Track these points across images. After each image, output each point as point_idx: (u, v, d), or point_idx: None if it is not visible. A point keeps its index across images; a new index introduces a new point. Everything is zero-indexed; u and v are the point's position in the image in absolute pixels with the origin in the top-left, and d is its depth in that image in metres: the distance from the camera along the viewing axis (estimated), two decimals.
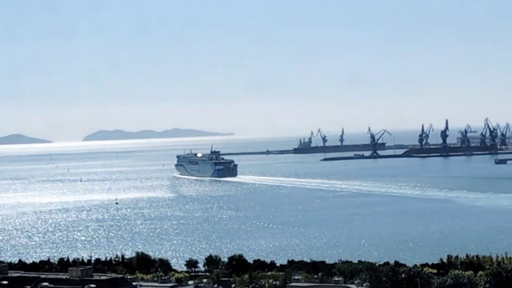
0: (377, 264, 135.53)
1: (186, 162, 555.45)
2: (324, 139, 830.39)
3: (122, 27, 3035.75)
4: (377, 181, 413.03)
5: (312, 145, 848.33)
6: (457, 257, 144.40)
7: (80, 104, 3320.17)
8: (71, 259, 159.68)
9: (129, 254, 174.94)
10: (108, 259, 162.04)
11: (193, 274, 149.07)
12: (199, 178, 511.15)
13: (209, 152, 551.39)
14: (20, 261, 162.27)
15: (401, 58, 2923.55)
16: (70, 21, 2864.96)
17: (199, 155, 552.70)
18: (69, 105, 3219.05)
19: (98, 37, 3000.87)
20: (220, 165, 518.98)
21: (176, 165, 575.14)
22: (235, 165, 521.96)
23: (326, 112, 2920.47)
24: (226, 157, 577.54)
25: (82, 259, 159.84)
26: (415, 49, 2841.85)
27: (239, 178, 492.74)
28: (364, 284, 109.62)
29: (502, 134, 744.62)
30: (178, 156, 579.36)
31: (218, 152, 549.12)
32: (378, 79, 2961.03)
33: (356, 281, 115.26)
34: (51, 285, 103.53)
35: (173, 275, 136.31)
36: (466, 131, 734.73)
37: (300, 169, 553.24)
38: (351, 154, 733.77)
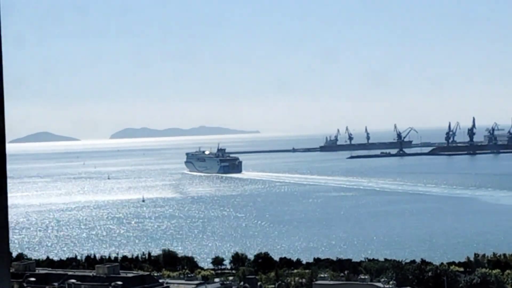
0: (403, 262, 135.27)
1: (195, 159, 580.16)
2: (350, 137, 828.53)
3: (150, 26, 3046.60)
4: (403, 179, 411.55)
5: (338, 143, 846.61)
6: (484, 255, 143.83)
7: (107, 102, 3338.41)
8: (98, 256, 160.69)
9: (155, 251, 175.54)
10: (134, 256, 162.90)
11: (219, 271, 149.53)
12: (206, 174, 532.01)
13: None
14: (47, 258, 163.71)
15: (427, 56, 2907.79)
16: (100, 20, 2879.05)
17: (206, 152, 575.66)
18: (96, 103, 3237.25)
19: (127, 35, 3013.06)
20: (226, 162, 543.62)
21: (185, 162, 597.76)
22: (240, 162, 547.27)
23: (351, 109, 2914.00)
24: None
25: (109, 256, 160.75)
26: (441, 46, 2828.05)
27: (244, 174, 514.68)
28: (391, 282, 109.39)
29: None
30: (187, 154, 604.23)
31: (224, 149, 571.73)
32: (404, 76, 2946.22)
33: (383, 279, 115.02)
34: (78, 282, 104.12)
35: (199, 272, 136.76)
36: (493, 129, 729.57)
37: (326, 167, 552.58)
38: (378, 152, 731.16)
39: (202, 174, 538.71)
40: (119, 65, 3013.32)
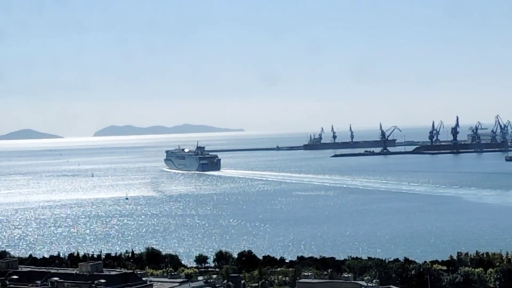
0: (386, 261, 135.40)
1: (174, 157, 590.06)
2: (334, 136, 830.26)
3: (133, 22, 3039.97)
4: (387, 177, 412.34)
5: (323, 141, 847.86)
6: (467, 254, 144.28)
7: (91, 99, 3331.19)
8: (81, 254, 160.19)
9: (139, 249, 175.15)
10: (118, 254, 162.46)
11: (202, 269, 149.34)
12: (185, 172, 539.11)
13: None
14: (30, 256, 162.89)
15: (412, 55, 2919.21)
16: (82, 15, 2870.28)
17: (186, 150, 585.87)
18: (80, 100, 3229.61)
19: (110, 31, 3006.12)
20: (205, 160, 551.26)
21: (165, 160, 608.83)
22: (219, 160, 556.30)
23: (336, 107, 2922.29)
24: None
25: (92, 254, 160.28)
26: (427, 45, 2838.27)
27: (222, 172, 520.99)
28: (374, 281, 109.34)
29: None
30: (167, 151, 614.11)
31: (203, 147, 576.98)
32: (389, 75, 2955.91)
33: (366, 278, 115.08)
34: (61, 280, 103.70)
35: (183, 270, 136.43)
36: (476, 128, 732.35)
37: (309, 166, 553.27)
38: (361, 150, 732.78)
39: (182, 171, 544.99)
40: (102, 60, 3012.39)
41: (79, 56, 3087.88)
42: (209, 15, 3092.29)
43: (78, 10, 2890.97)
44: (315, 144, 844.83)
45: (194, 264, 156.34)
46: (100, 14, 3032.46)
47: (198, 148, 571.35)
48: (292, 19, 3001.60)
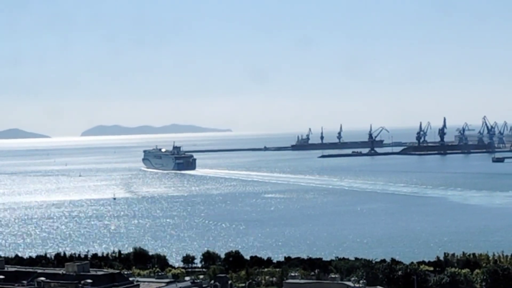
0: (373, 262, 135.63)
1: (151, 156, 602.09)
2: (322, 136, 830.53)
3: (121, 19, 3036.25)
4: (374, 178, 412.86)
5: (310, 142, 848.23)
6: (453, 254, 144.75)
7: (78, 98, 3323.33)
8: (67, 254, 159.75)
9: (126, 249, 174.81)
10: (105, 254, 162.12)
11: (189, 270, 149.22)
12: (162, 171, 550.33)
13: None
14: (16, 256, 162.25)
15: (402, 54, 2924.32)
16: (69, 11, 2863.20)
17: (163, 150, 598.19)
18: (67, 99, 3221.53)
19: (97, 29, 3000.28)
20: (181, 159, 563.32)
21: (143, 159, 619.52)
22: (194, 159, 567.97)
23: (325, 105, 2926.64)
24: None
25: (79, 254, 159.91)
26: (416, 44, 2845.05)
27: (198, 171, 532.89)
28: (361, 281, 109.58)
29: (499, 132, 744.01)
30: (144, 151, 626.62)
31: (179, 147, 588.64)
32: (379, 73, 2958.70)
33: (353, 278, 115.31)
34: (48, 280, 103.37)
35: (170, 270, 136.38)
36: (463, 129, 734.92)
37: (297, 166, 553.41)
38: (349, 151, 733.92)
39: (158, 171, 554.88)
40: (89, 58, 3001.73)
41: (66, 54, 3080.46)
42: (197, 13, 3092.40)
43: (65, 6, 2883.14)
44: (302, 144, 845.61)
45: (181, 264, 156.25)
46: (87, 11, 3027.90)
47: (175, 148, 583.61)
48: (282, 16, 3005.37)
